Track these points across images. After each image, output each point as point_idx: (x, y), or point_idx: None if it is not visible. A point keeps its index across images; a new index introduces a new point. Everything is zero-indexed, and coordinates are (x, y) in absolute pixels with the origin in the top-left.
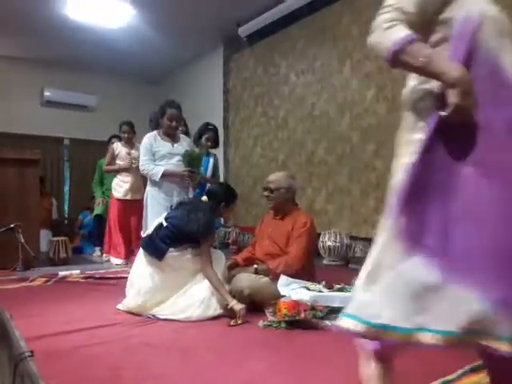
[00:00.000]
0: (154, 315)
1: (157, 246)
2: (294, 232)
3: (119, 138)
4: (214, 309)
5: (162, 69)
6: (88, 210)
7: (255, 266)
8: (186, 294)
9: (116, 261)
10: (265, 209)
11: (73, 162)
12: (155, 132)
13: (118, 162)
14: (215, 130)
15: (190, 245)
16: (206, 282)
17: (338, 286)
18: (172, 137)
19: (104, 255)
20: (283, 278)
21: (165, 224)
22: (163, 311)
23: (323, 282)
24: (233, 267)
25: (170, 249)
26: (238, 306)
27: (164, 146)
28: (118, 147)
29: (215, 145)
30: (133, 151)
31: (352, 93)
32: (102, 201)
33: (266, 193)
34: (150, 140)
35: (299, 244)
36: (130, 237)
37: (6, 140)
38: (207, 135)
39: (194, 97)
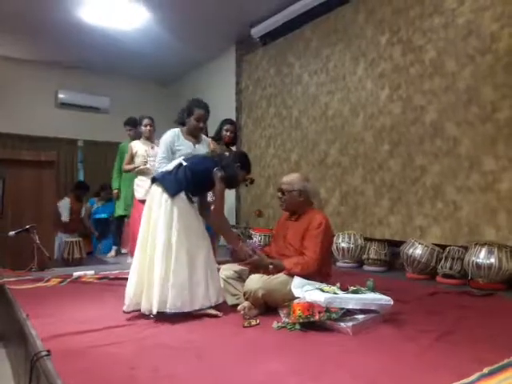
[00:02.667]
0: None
1: (174, 182)
2: (308, 232)
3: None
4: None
5: (174, 70)
6: (96, 198)
7: (270, 261)
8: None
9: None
10: (277, 210)
11: (87, 163)
12: (178, 129)
13: (136, 160)
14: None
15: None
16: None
17: (353, 288)
18: (195, 137)
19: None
20: (297, 280)
21: (184, 163)
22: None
23: (338, 284)
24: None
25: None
26: (244, 247)
27: (186, 146)
28: (136, 145)
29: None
30: (151, 150)
31: (366, 93)
32: (115, 194)
33: (279, 194)
34: (173, 137)
35: (315, 246)
36: None
37: (20, 142)
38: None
39: (206, 98)
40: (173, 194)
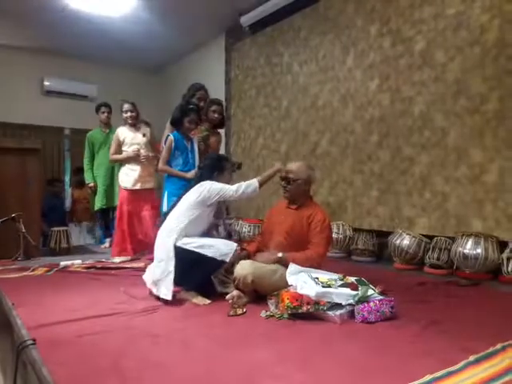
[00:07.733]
0: None
1: None
2: (312, 226)
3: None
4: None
5: (163, 58)
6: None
7: (280, 254)
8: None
9: (120, 259)
10: (266, 200)
11: (73, 151)
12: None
13: (125, 149)
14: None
15: None
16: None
17: (355, 278)
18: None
19: (116, 257)
20: (292, 266)
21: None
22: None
23: (340, 275)
24: (246, 258)
25: None
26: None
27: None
28: (124, 132)
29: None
30: (139, 135)
31: (355, 83)
32: (92, 187)
33: (283, 183)
34: None
35: (321, 240)
36: (140, 231)
37: (6, 130)
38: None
39: None
40: None
